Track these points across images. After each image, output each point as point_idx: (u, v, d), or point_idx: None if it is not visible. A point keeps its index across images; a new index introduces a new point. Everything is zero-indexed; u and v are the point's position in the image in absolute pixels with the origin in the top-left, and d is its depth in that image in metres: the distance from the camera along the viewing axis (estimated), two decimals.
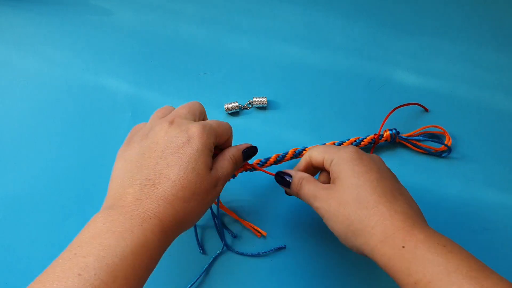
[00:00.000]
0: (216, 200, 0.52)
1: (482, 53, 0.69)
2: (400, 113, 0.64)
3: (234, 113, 0.65)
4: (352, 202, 0.39)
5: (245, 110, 0.66)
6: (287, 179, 0.47)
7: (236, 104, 0.64)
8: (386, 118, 0.59)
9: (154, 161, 0.39)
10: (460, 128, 0.63)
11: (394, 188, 0.40)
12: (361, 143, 0.59)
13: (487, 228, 0.56)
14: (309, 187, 0.43)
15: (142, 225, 0.35)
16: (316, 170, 0.49)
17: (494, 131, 0.63)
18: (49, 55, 0.70)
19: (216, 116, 0.65)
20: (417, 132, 0.61)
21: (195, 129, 0.40)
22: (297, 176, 0.46)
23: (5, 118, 0.66)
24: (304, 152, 0.57)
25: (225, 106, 0.64)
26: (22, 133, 0.64)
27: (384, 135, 0.59)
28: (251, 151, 0.48)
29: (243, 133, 0.64)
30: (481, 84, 0.67)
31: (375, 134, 0.59)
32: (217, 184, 0.41)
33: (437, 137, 0.61)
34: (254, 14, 0.73)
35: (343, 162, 0.42)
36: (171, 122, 0.42)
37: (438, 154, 0.60)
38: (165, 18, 0.73)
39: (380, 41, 0.70)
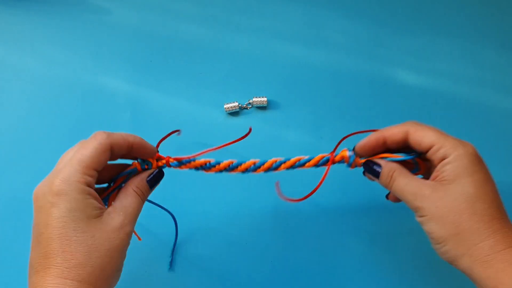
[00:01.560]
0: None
1: (484, 53, 0.69)
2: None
3: (234, 113, 0.65)
4: (467, 212, 0.36)
5: (245, 110, 0.65)
6: (376, 168, 0.42)
7: (236, 104, 0.64)
8: (340, 142, 0.47)
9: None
10: (461, 127, 0.63)
11: (502, 202, 0.39)
12: (306, 164, 0.46)
13: None
14: (406, 182, 0.39)
15: None
16: (382, 149, 0.43)
17: (495, 131, 0.63)
18: (48, 55, 0.70)
19: (216, 116, 0.65)
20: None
21: (47, 191, 0.37)
22: (387, 166, 0.41)
23: (3, 117, 0.65)
24: (281, 167, 0.46)
25: (225, 106, 0.64)
26: (20, 133, 0.64)
27: (340, 155, 0.45)
28: (156, 177, 0.44)
29: (243, 133, 0.63)
30: (482, 83, 0.66)
31: (331, 152, 0.45)
32: (121, 226, 0.37)
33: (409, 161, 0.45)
34: (254, 14, 0.73)
35: (462, 165, 0.37)
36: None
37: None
38: (164, 17, 0.73)
39: (381, 40, 0.70)
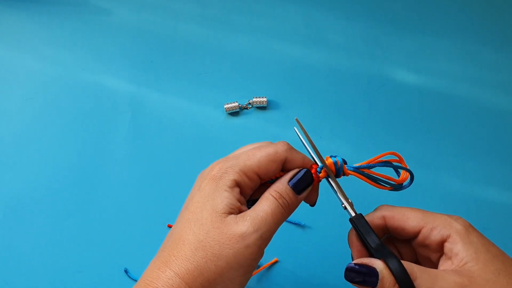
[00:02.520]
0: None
1: (482, 53, 0.69)
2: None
3: (234, 113, 0.65)
4: None
5: (245, 110, 0.66)
6: (367, 279, 0.31)
7: (236, 104, 0.64)
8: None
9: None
10: (460, 127, 0.63)
11: None
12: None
13: (488, 227, 0.56)
14: (433, 279, 0.31)
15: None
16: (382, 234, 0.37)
17: (494, 130, 0.63)
18: (49, 55, 0.70)
19: (216, 116, 0.65)
20: (374, 161, 0.39)
21: (209, 171, 0.34)
22: (388, 270, 0.31)
23: (4, 117, 0.66)
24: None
25: (225, 106, 0.64)
26: (21, 133, 0.64)
27: (323, 171, 0.37)
28: (302, 179, 0.35)
29: (243, 133, 0.64)
30: (481, 83, 0.67)
31: (314, 165, 0.37)
32: (241, 234, 0.31)
33: (394, 167, 0.39)
34: (254, 14, 0.73)
35: (469, 240, 0.33)
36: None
37: (396, 188, 0.39)
38: (165, 17, 0.73)
39: (380, 41, 0.70)
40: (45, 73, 0.69)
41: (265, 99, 0.64)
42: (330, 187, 0.37)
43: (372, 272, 0.31)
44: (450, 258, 0.33)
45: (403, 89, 0.66)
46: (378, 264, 0.31)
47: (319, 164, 0.37)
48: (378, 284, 0.31)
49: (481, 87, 0.66)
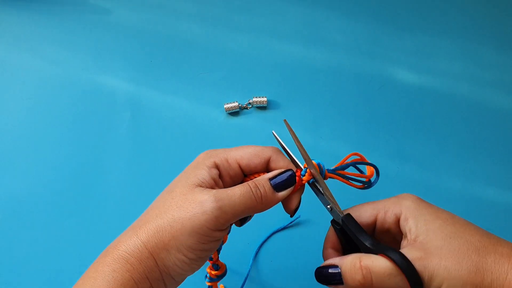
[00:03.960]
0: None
1: (483, 52, 0.69)
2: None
3: (234, 112, 0.65)
4: (472, 251, 0.31)
5: (245, 110, 0.66)
6: (331, 271, 0.33)
7: (236, 103, 0.64)
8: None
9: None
10: (460, 126, 0.63)
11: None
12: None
13: (488, 228, 0.56)
14: (387, 261, 0.31)
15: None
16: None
17: (495, 130, 0.63)
18: (48, 54, 0.70)
19: (215, 116, 0.65)
20: (345, 162, 0.39)
21: (196, 157, 0.37)
22: (348, 259, 0.32)
23: (3, 117, 0.66)
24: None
25: (225, 106, 0.64)
26: (21, 133, 0.64)
27: (308, 174, 0.37)
28: (284, 181, 0.35)
29: (243, 133, 0.64)
30: (481, 82, 0.67)
31: (298, 169, 0.37)
32: (201, 202, 0.32)
33: (360, 164, 0.39)
34: (254, 13, 0.73)
35: (418, 213, 0.33)
36: None
37: (366, 186, 0.39)
38: (165, 17, 0.73)
39: (380, 40, 0.70)
40: (44, 72, 0.69)
41: (265, 99, 0.64)
42: (314, 191, 0.37)
43: (335, 271, 0.33)
44: (405, 235, 0.33)
45: (404, 89, 0.66)
46: (337, 261, 0.33)
47: (303, 168, 0.37)
48: (343, 279, 0.32)
49: (481, 86, 0.66)
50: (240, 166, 0.36)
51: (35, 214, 0.58)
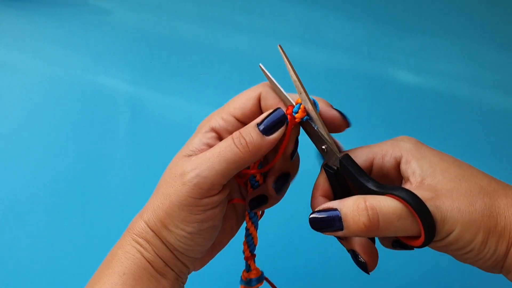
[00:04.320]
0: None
1: (483, 53, 0.69)
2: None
3: None
4: (483, 194, 0.29)
5: None
6: (331, 215, 0.29)
7: None
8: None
9: None
10: (461, 127, 0.63)
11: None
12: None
13: None
14: (394, 201, 0.27)
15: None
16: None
17: (495, 130, 0.63)
18: (48, 55, 0.70)
19: None
20: None
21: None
22: (350, 201, 0.28)
23: (3, 117, 0.65)
24: None
25: None
26: (20, 134, 0.64)
27: (301, 111, 0.33)
28: (272, 118, 0.31)
29: None
30: (482, 83, 0.66)
31: (290, 106, 0.34)
32: (182, 173, 0.30)
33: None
34: (254, 14, 0.73)
35: (421, 155, 0.31)
36: None
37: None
38: (164, 17, 0.73)
39: (380, 40, 0.70)
40: (44, 73, 0.69)
41: None
42: (306, 132, 0.34)
43: (334, 215, 0.28)
44: (408, 179, 0.30)
45: (404, 90, 0.66)
46: (335, 204, 0.29)
47: (295, 105, 0.33)
48: (343, 223, 0.28)
49: (481, 87, 0.66)
50: (236, 118, 0.33)
51: (35, 215, 0.58)
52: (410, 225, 0.27)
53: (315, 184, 0.34)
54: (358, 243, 0.31)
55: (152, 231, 0.32)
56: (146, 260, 0.32)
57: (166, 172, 0.33)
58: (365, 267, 0.31)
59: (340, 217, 0.28)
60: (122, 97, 0.67)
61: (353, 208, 0.28)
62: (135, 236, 0.33)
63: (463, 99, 0.65)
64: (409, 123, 0.63)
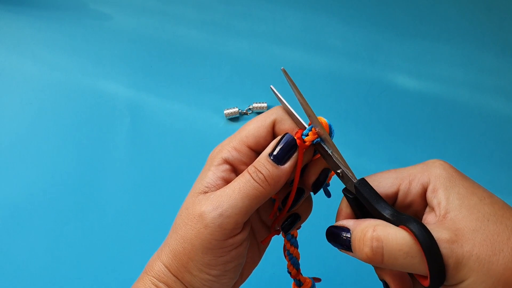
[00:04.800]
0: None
1: (483, 58, 0.69)
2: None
3: (234, 118, 0.65)
4: (507, 239, 0.25)
5: (245, 116, 0.65)
6: (343, 235, 0.28)
7: (236, 109, 0.64)
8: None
9: None
10: (461, 132, 0.63)
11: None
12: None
13: None
14: (403, 235, 0.25)
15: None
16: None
17: (495, 135, 0.63)
18: (49, 60, 0.70)
19: (215, 121, 0.65)
20: None
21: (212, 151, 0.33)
22: (362, 226, 0.27)
23: (2, 122, 0.65)
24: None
25: (225, 112, 0.64)
26: (20, 138, 0.64)
27: (312, 133, 0.31)
28: (283, 145, 0.30)
29: None
30: (482, 88, 0.66)
31: (300, 129, 0.32)
32: (200, 215, 0.28)
33: None
34: (254, 19, 0.73)
35: (450, 184, 0.28)
36: None
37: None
38: (165, 22, 0.73)
39: (380, 46, 0.70)
40: (44, 78, 0.69)
41: (265, 105, 0.64)
42: (321, 155, 0.32)
43: (345, 236, 0.27)
44: (433, 209, 0.28)
45: (404, 95, 0.66)
46: (350, 224, 0.28)
47: (307, 126, 0.31)
48: (351, 247, 0.27)
49: (482, 92, 0.66)
50: (250, 148, 0.31)
51: (34, 220, 0.58)
52: (417, 265, 0.25)
53: (338, 209, 0.32)
54: (389, 274, 0.29)
55: (174, 275, 0.30)
56: None
57: (182, 211, 0.31)
58: None
59: (350, 239, 0.27)
60: (122, 102, 0.66)
61: (361, 235, 0.26)
62: (155, 279, 0.30)
63: (463, 104, 0.65)
64: (409, 128, 0.63)
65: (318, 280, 0.38)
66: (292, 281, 0.37)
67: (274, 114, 0.32)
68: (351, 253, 0.27)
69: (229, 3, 0.74)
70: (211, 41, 0.71)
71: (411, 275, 0.30)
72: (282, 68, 0.32)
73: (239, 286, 0.34)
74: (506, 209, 0.27)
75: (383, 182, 0.30)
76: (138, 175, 0.61)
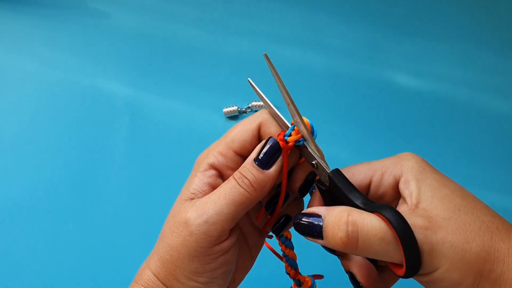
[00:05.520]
0: None
1: (482, 57, 0.69)
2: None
3: (233, 116, 0.65)
4: (484, 232, 0.25)
5: (244, 114, 0.65)
6: (314, 222, 0.27)
7: (235, 108, 0.64)
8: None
9: None
10: (460, 131, 0.63)
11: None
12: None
13: None
14: (378, 221, 0.25)
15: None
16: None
17: (494, 134, 0.63)
18: (47, 58, 0.70)
19: (214, 120, 0.65)
20: None
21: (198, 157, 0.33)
22: (335, 211, 0.26)
23: (1, 120, 0.65)
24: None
25: (224, 110, 0.64)
26: (19, 137, 0.64)
27: (294, 133, 0.30)
28: (267, 149, 0.29)
29: None
30: (481, 87, 0.66)
31: (282, 131, 0.31)
32: (185, 222, 0.28)
33: None
34: (253, 17, 0.73)
35: (422, 176, 0.28)
36: None
37: None
38: (164, 21, 0.73)
39: (380, 45, 0.70)
40: (43, 76, 0.69)
41: None
42: (300, 151, 0.31)
43: (316, 222, 0.26)
44: (405, 200, 0.28)
45: (403, 93, 0.66)
46: (321, 210, 0.27)
47: (290, 126, 0.31)
48: (323, 233, 0.26)
49: (481, 91, 0.66)
50: (236, 152, 0.31)
51: (33, 218, 0.58)
52: (392, 252, 0.24)
53: (309, 201, 0.32)
54: (356, 265, 0.29)
55: (163, 283, 0.30)
56: None
57: (169, 219, 0.31)
58: None
59: (321, 226, 0.26)
60: (121, 100, 0.66)
61: (335, 220, 0.26)
62: None
63: (462, 102, 0.65)
64: (408, 126, 0.63)
65: (320, 277, 0.37)
66: (292, 281, 0.37)
67: (260, 117, 0.31)
68: (321, 241, 0.27)
69: (228, 2, 0.74)
70: (210, 40, 0.71)
71: (380, 267, 0.30)
72: (264, 53, 0.31)
73: None
74: (477, 201, 0.27)
75: (356, 174, 0.30)
76: (137, 174, 0.61)
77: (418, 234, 0.24)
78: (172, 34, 0.72)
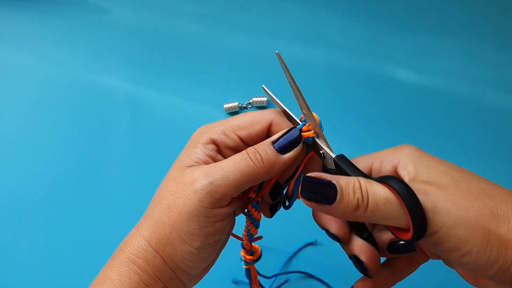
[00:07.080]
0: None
1: (483, 51, 0.69)
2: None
3: (234, 112, 0.65)
4: (484, 195, 0.26)
5: (245, 110, 0.65)
6: (331, 184, 0.26)
7: (236, 103, 0.64)
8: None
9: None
10: (461, 126, 0.63)
11: None
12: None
13: None
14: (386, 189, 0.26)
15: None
16: None
17: (495, 129, 0.63)
18: (48, 54, 0.70)
19: (215, 116, 0.65)
20: None
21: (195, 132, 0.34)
22: (345, 178, 0.27)
23: (2, 117, 0.65)
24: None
25: (224, 106, 0.64)
26: (20, 133, 0.64)
27: (306, 128, 0.32)
28: (287, 136, 0.31)
29: None
30: (482, 82, 0.66)
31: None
32: (191, 182, 0.29)
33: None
34: (254, 13, 0.73)
35: (419, 159, 0.29)
36: None
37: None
38: (164, 16, 0.73)
39: (380, 39, 0.70)
40: (43, 72, 0.69)
41: (265, 99, 0.64)
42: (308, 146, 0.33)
43: (328, 185, 0.26)
44: (403, 179, 0.29)
45: (404, 88, 0.66)
46: (331, 177, 0.27)
47: (300, 122, 0.33)
48: (338, 197, 0.26)
49: (482, 86, 0.66)
50: (240, 137, 0.32)
51: (34, 214, 0.58)
52: (397, 212, 0.25)
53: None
54: (358, 247, 0.30)
55: (154, 249, 0.30)
56: (144, 283, 0.30)
57: (168, 182, 0.31)
58: (367, 272, 0.30)
59: (337, 189, 0.26)
60: (121, 96, 0.66)
61: (350, 184, 0.26)
62: (133, 256, 0.30)
63: (463, 97, 0.65)
64: (409, 121, 0.63)
65: (259, 238, 0.40)
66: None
67: (272, 115, 0.32)
68: (327, 206, 0.26)
69: None
70: (210, 35, 0.71)
71: (391, 246, 0.31)
72: (276, 51, 0.32)
73: (210, 268, 0.35)
74: (475, 174, 0.28)
75: (357, 164, 0.31)
76: (138, 169, 0.61)
77: (420, 195, 0.25)
78: (172, 30, 0.72)
